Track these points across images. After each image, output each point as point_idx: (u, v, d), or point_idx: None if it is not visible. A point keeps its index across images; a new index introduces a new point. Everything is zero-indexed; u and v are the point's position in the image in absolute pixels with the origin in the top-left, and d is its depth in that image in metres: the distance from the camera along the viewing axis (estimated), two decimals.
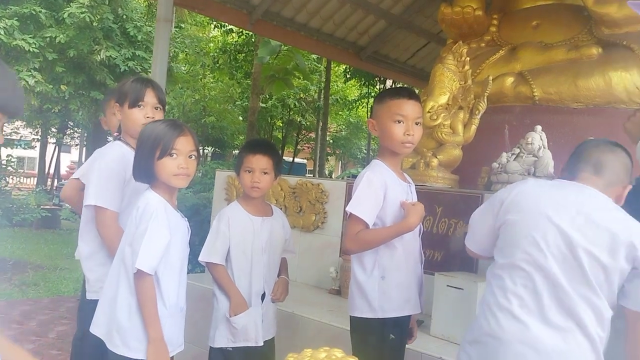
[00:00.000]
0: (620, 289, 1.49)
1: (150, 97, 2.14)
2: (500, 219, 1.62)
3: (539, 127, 3.11)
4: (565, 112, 3.82)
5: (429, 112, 3.34)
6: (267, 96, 14.30)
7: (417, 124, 1.89)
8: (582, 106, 3.80)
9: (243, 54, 13.48)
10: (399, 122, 1.87)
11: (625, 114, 3.75)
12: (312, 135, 18.09)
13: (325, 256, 3.55)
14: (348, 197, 3.34)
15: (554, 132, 3.64)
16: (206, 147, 17.59)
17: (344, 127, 21.66)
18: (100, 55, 10.43)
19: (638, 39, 3.81)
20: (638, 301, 1.46)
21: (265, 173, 2.22)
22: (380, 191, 1.86)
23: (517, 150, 3.10)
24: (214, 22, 12.70)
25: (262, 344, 2.19)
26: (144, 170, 1.76)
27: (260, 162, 2.21)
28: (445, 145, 3.29)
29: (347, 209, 1.87)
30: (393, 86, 13.02)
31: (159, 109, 2.17)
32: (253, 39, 11.68)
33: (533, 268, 1.51)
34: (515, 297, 1.51)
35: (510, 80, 3.98)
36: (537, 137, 3.05)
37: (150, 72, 4.84)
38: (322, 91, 14.07)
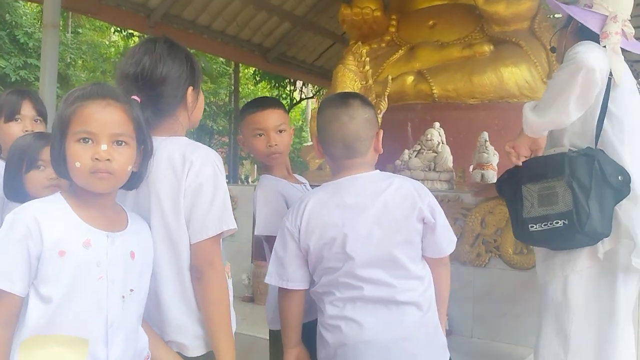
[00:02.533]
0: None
1: (27, 110, 1.99)
2: (304, 246, 1.60)
3: (437, 124, 3.20)
4: (463, 108, 3.96)
5: None
6: None
7: (280, 131, 1.82)
8: (478, 102, 3.96)
9: None
10: (260, 135, 1.81)
11: (517, 107, 3.96)
12: (226, 139, 17.82)
13: (236, 263, 3.45)
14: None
15: (453, 127, 3.77)
16: None
17: None
18: None
19: (525, 36, 4.03)
20: (434, 249, 1.59)
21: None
22: (280, 201, 1.83)
23: (417, 147, 3.17)
24: (114, 27, 12.17)
25: None
26: (13, 186, 1.62)
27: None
28: (314, 142, 3.30)
29: (256, 233, 1.83)
30: (303, 87, 13.09)
31: (38, 121, 2.02)
32: None
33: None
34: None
35: (410, 78, 4.08)
36: (436, 134, 3.14)
37: None
38: (232, 94, 13.88)
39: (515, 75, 3.90)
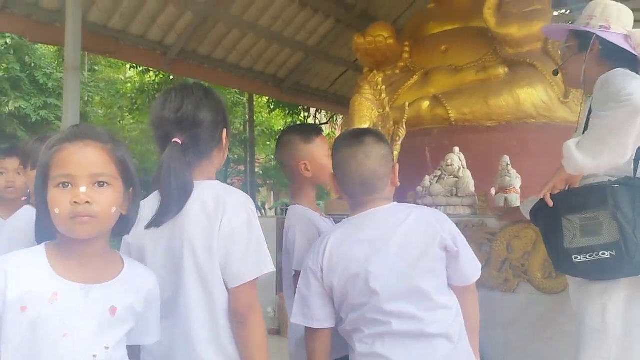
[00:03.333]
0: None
1: None
2: (327, 284, 1.60)
3: (456, 149, 3.20)
4: (480, 131, 3.96)
5: None
6: None
7: None
8: (495, 124, 3.96)
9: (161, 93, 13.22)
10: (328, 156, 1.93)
11: (535, 127, 3.96)
12: (242, 168, 17.93)
13: (261, 295, 3.44)
14: (280, 233, 3.30)
15: (472, 151, 3.77)
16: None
17: (272, 157, 21.64)
18: (8, 106, 9.93)
19: (539, 56, 4.04)
20: (459, 277, 1.58)
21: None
22: (316, 235, 1.86)
23: (438, 173, 3.18)
24: (129, 63, 12.43)
25: None
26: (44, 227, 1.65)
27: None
28: (331, 181, 3.32)
29: (294, 267, 1.84)
30: (317, 114, 13.18)
31: None
32: (172, 77, 11.50)
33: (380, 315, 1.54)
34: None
35: (426, 103, 4.10)
36: (456, 158, 3.14)
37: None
38: (247, 123, 14.00)
39: (531, 96, 3.91)
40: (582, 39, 1.99)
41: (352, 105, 3.49)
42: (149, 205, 1.42)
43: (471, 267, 1.59)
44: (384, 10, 6.83)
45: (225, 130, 1.50)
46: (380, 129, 3.43)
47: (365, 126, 3.42)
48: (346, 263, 1.57)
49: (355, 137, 1.66)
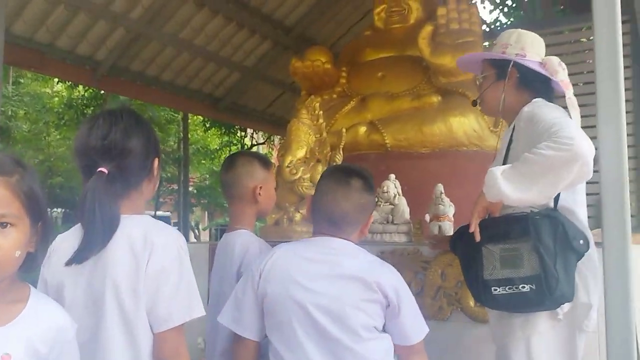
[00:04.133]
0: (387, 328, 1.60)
1: None
2: (261, 291, 1.61)
3: (392, 176, 3.22)
4: (415, 157, 4.02)
5: (288, 166, 3.34)
6: None
7: None
8: (430, 150, 4.03)
9: (91, 108, 12.74)
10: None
11: (467, 155, 4.06)
12: (175, 187, 17.50)
13: (191, 326, 3.32)
14: (212, 259, 3.19)
15: (407, 177, 3.80)
16: (54, 210, 16.20)
17: (207, 176, 21.25)
18: None
19: (471, 87, 4.15)
20: (399, 336, 1.58)
21: None
22: None
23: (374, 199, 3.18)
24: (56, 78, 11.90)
25: None
26: None
27: None
28: (307, 199, 3.29)
29: None
30: (254, 134, 13.08)
31: None
32: (102, 92, 11.10)
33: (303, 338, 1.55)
34: None
35: (363, 129, 4.13)
36: (392, 185, 3.16)
37: None
38: (182, 141, 13.70)
39: (463, 124, 4.01)
40: (499, 68, 1.99)
41: (290, 129, 3.46)
42: (71, 239, 1.32)
43: (413, 327, 1.58)
44: (321, 34, 6.89)
45: (156, 159, 1.42)
46: (317, 154, 3.41)
47: (302, 151, 3.40)
48: (282, 276, 1.57)
49: (345, 174, 1.68)
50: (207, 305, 2.15)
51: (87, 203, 1.28)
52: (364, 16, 6.99)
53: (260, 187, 2.01)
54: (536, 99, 1.92)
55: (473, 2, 4.35)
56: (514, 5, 9.96)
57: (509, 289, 1.70)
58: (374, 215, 3.06)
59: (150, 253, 1.27)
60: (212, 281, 2.11)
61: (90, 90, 12.28)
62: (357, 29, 7.10)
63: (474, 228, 1.77)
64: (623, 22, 5.77)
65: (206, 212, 24.95)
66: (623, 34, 5.57)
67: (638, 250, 1.99)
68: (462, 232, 1.89)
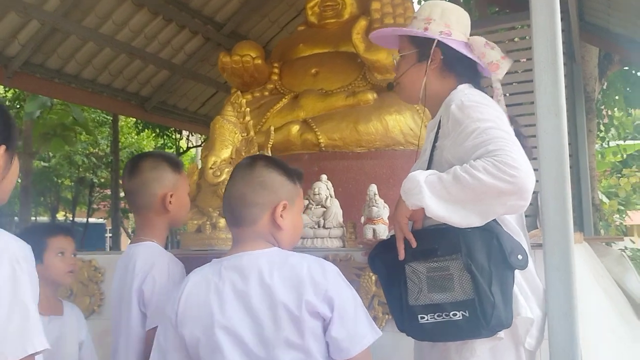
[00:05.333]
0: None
1: None
2: (180, 335, 1.35)
3: (324, 176, 3.02)
4: (350, 157, 3.84)
5: (211, 168, 3.06)
6: (49, 155, 12.85)
7: None
8: (365, 150, 3.86)
9: (14, 110, 11.97)
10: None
11: (403, 154, 3.92)
12: (108, 192, 16.75)
13: (105, 344, 2.99)
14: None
15: (342, 178, 3.63)
16: None
17: None
18: None
19: None
20: (336, 349, 1.32)
21: (74, 255, 2.16)
22: None
23: (305, 202, 2.96)
24: None
25: None
26: None
27: (71, 243, 2.14)
28: None
29: (149, 325, 1.63)
30: (190, 136, 12.64)
31: None
32: (24, 93, 10.42)
33: None
34: None
35: (295, 128, 3.91)
36: (324, 187, 2.95)
37: None
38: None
39: (399, 122, 3.87)
40: (421, 47, 1.70)
41: (213, 127, 3.19)
42: None
43: (348, 337, 1.29)
44: (255, 31, 6.62)
45: (4, 147, 1.12)
46: (243, 154, 3.16)
47: (227, 151, 3.14)
48: (197, 316, 1.31)
49: (251, 159, 1.45)
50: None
51: None
52: (298, 14, 6.77)
53: (171, 195, 1.74)
54: (462, 86, 1.69)
55: None
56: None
57: (438, 316, 1.42)
58: (305, 219, 2.86)
59: None
60: (112, 299, 1.83)
61: (13, 91, 11.54)
62: (292, 27, 6.88)
63: (400, 243, 1.49)
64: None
65: None
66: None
67: (579, 251, 1.85)
68: (382, 248, 1.63)
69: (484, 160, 1.39)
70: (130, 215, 20.97)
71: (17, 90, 11.09)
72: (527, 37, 5.73)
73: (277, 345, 1.27)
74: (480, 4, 7.85)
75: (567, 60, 5.47)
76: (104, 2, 5.11)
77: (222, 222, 2.93)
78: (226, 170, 3.08)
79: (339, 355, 1.31)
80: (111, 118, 13.31)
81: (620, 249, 5.28)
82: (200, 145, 13.85)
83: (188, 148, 13.32)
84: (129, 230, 20.16)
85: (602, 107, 8.20)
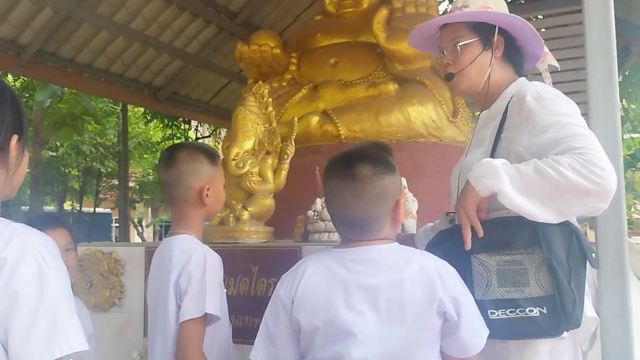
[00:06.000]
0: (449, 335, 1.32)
1: None
2: (295, 321, 1.32)
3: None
4: None
5: (234, 159, 3.01)
6: (57, 144, 12.83)
7: None
8: (387, 142, 3.79)
9: (23, 99, 11.93)
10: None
11: (425, 146, 3.85)
12: (116, 182, 16.75)
13: (126, 338, 2.97)
14: (148, 264, 2.85)
15: None
16: None
17: (150, 170, 20.50)
18: None
19: (429, 75, 3.95)
20: (456, 349, 1.32)
21: (68, 250, 2.06)
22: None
23: None
24: None
25: None
26: None
27: (64, 236, 2.05)
28: (255, 196, 2.98)
29: (210, 311, 1.58)
30: (199, 126, 12.59)
31: None
32: (34, 82, 10.38)
33: None
34: None
35: (315, 119, 3.85)
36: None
37: None
38: (121, 134, 13.07)
39: (422, 114, 3.79)
40: (483, 35, 1.62)
41: (235, 118, 3.12)
42: None
43: (473, 338, 1.29)
44: (269, 20, 6.55)
45: (16, 136, 1.05)
46: (267, 146, 3.10)
47: (250, 142, 3.08)
48: (320, 304, 1.28)
49: (346, 165, 1.34)
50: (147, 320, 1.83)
51: None
52: (312, 3, 6.69)
53: (208, 188, 1.70)
54: (521, 78, 1.65)
55: None
56: None
57: (511, 312, 1.35)
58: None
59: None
60: (148, 293, 1.78)
61: (21, 80, 11.50)
62: (305, 16, 6.80)
63: (468, 232, 1.42)
64: (576, 11, 5.71)
65: (150, 208, 24.14)
66: (577, 23, 5.49)
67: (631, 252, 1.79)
68: (442, 237, 1.56)
69: (569, 157, 1.33)
70: (137, 205, 21.01)
71: (26, 79, 11.08)
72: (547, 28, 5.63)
73: (400, 341, 1.23)
74: None
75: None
76: None
77: (246, 214, 2.88)
78: (249, 162, 3.03)
79: (462, 354, 1.30)
80: (119, 108, 13.30)
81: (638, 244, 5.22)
82: (209, 136, 13.79)
83: (197, 139, 13.26)
84: (135, 221, 20.18)
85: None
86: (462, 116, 3.96)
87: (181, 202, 1.70)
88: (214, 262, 1.64)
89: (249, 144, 3.07)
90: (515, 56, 1.67)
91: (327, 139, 3.85)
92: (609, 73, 1.61)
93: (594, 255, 1.42)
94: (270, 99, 3.24)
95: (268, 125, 3.17)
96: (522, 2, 7.56)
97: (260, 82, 3.31)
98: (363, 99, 3.88)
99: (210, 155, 1.75)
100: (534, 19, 6.16)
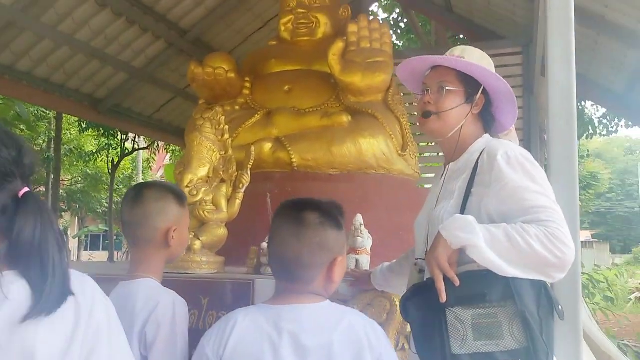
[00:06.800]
0: None
1: None
2: None
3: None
4: (322, 179, 3.82)
5: (187, 186, 2.96)
6: None
7: None
8: (338, 172, 3.85)
9: None
10: None
11: (375, 178, 3.93)
12: (43, 189, 15.93)
13: None
14: None
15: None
16: None
17: (80, 179, 19.66)
18: None
19: (380, 108, 4.05)
20: None
21: None
22: None
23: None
24: None
25: None
26: None
27: None
28: (208, 225, 2.94)
29: None
30: (136, 137, 12.21)
31: None
32: None
33: None
34: None
35: (268, 146, 3.85)
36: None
37: None
38: (52, 141, 12.49)
39: (373, 146, 3.88)
40: (468, 88, 1.72)
41: (191, 144, 3.08)
42: None
43: None
44: (219, 39, 6.50)
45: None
46: (222, 173, 3.07)
47: (205, 169, 3.04)
48: None
49: (295, 209, 1.38)
50: None
51: None
52: (263, 25, 6.72)
53: (174, 229, 1.66)
54: (486, 135, 1.75)
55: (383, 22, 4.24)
56: (407, 29, 10.22)
57: None
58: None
59: None
60: None
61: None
62: (256, 37, 6.82)
63: (441, 284, 1.45)
64: (515, 54, 5.98)
65: (77, 218, 23.10)
66: (515, 65, 5.76)
67: None
68: (414, 292, 1.59)
69: (537, 229, 1.42)
70: (64, 214, 20.05)
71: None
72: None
73: None
74: (439, 30, 8.06)
75: (524, 94, 5.68)
76: (66, 0, 4.87)
77: (198, 244, 2.84)
78: (203, 189, 3.00)
79: None
80: (51, 113, 12.72)
81: None
82: (146, 148, 13.42)
83: (133, 150, 12.87)
84: (61, 228, 19.22)
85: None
86: (410, 150, 4.08)
87: (144, 242, 1.66)
88: (183, 310, 1.60)
89: (203, 171, 3.04)
90: (487, 117, 1.78)
91: (279, 166, 3.86)
92: (569, 131, 1.72)
93: (560, 307, 1.50)
94: (227, 127, 3.22)
95: (224, 152, 3.15)
96: (464, 37, 7.89)
97: (217, 109, 3.28)
98: (316, 128, 3.92)
99: (178, 195, 1.72)
100: None
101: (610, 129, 9.78)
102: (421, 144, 6.57)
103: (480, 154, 1.65)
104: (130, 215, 1.67)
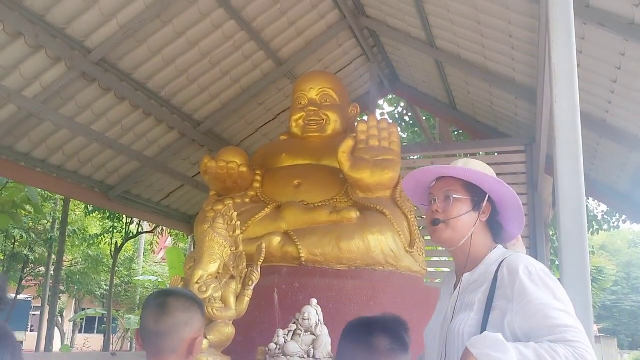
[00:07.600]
0: None
1: None
2: None
3: (314, 301, 2.96)
4: (330, 274, 3.81)
5: (197, 282, 2.96)
6: None
7: None
8: (346, 268, 3.85)
9: None
10: None
11: (382, 275, 3.92)
12: (42, 269, 15.79)
13: None
14: None
15: (322, 296, 3.56)
16: None
17: (80, 260, 19.52)
18: None
19: (388, 204, 4.11)
20: None
21: None
22: None
23: (293, 327, 2.87)
24: None
25: None
26: None
27: None
28: (216, 323, 2.91)
29: None
30: (141, 222, 12.29)
31: None
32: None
33: None
34: None
35: (277, 240, 3.88)
36: (314, 312, 2.89)
37: None
38: (58, 221, 12.54)
39: (381, 243, 3.89)
40: (475, 196, 1.77)
41: (202, 240, 3.11)
42: None
43: None
44: (231, 130, 6.72)
45: None
46: (231, 270, 3.08)
47: (215, 265, 3.05)
48: None
49: (366, 333, 1.44)
50: None
51: None
52: (274, 118, 6.96)
53: (199, 339, 1.68)
54: (500, 247, 1.79)
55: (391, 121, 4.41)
56: (411, 122, 10.53)
57: None
58: (294, 347, 2.76)
59: None
60: None
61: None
62: (266, 129, 7.04)
63: None
64: (519, 152, 6.13)
65: (74, 300, 22.65)
66: (519, 162, 5.89)
67: None
68: None
69: (565, 349, 1.44)
70: (62, 295, 19.71)
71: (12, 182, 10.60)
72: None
73: None
74: (443, 126, 8.32)
75: (528, 190, 5.78)
76: (86, 92, 5.09)
77: (205, 343, 2.79)
78: (212, 286, 2.99)
79: None
80: (58, 195, 12.86)
81: None
82: (150, 232, 13.45)
83: (138, 233, 12.89)
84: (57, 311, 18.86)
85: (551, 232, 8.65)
86: (418, 247, 4.10)
87: (169, 352, 1.64)
88: None
89: (213, 267, 3.05)
90: (495, 226, 1.82)
91: (287, 260, 3.86)
92: (580, 227, 1.74)
93: None
94: (239, 223, 3.26)
95: (234, 248, 3.17)
96: (466, 133, 8.12)
97: (230, 205, 3.34)
98: (325, 223, 3.96)
99: (201, 305, 1.74)
100: (478, 155, 6.63)
101: (611, 224, 9.87)
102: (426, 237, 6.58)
103: (499, 267, 1.67)
104: (157, 325, 1.65)
